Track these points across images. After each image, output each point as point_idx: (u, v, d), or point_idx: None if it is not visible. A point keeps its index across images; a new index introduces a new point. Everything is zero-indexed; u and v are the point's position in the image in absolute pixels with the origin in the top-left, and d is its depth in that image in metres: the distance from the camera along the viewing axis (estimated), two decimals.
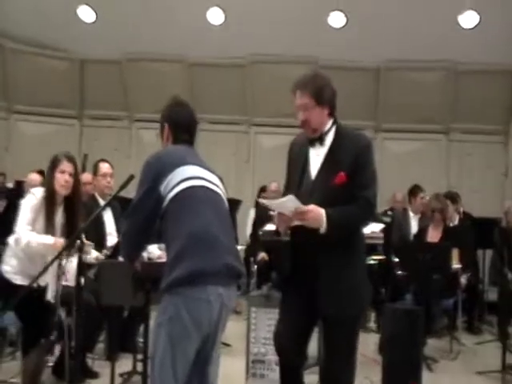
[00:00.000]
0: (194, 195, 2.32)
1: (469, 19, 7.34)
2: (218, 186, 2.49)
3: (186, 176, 2.34)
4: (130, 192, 7.84)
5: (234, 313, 6.75)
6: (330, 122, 2.72)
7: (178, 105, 2.69)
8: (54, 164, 3.60)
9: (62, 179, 3.55)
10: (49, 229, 3.48)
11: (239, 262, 2.42)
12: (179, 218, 2.27)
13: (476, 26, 7.33)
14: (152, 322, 2.42)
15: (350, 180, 2.59)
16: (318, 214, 2.52)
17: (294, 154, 2.82)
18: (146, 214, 2.36)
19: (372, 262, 5.93)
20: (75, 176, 3.61)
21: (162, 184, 2.31)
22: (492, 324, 6.63)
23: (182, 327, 2.20)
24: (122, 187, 2.93)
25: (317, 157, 2.71)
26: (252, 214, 7.32)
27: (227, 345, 5.27)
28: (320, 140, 2.70)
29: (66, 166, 3.58)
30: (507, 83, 8.05)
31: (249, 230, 7.17)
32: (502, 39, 7.39)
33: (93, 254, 4.09)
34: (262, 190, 7.60)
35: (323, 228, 2.52)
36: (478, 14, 7.26)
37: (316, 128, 2.68)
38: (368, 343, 5.32)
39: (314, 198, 2.58)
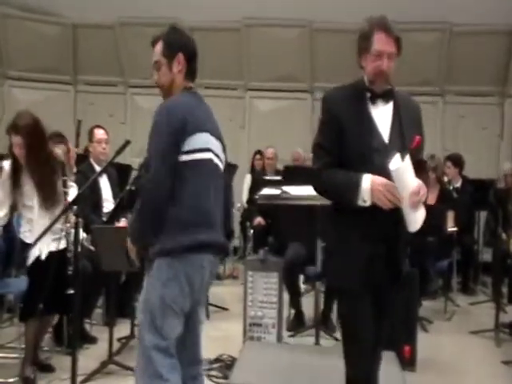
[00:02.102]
0: (204, 169, 2.35)
1: None
2: (220, 159, 2.49)
3: (201, 146, 2.35)
4: (126, 158, 7.84)
5: (231, 277, 6.83)
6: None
7: (186, 33, 2.62)
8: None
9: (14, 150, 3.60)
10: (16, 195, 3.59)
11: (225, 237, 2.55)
12: (188, 187, 2.30)
13: None
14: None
15: (421, 144, 2.36)
16: (425, 189, 2.26)
17: (344, 112, 2.32)
18: (172, 164, 2.28)
19: None
20: (26, 145, 3.58)
21: (182, 142, 2.30)
22: (486, 284, 6.72)
23: (179, 289, 2.31)
24: (118, 152, 2.91)
25: (382, 117, 2.35)
26: (248, 178, 7.32)
27: (225, 309, 5.35)
28: (386, 97, 2.36)
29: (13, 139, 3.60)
30: (502, 44, 7.96)
31: (245, 194, 7.18)
32: (495, 0, 7.27)
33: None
34: (258, 153, 7.59)
35: None
36: None
37: (389, 80, 2.37)
38: None
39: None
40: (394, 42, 2.32)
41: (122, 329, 4.36)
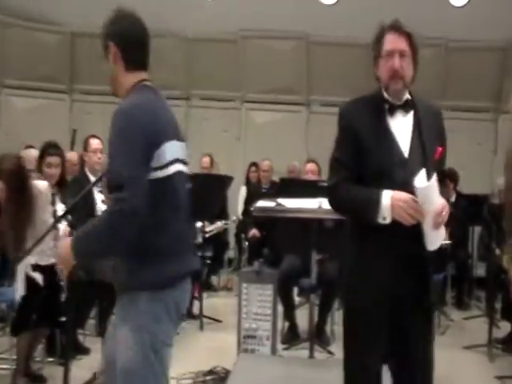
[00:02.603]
0: (177, 185, 2.05)
1: None
2: (186, 163, 2.17)
3: (172, 157, 2.02)
4: None
5: (226, 289, 6.81)
6: (407, 90, 2.29)
7: (125, 17, 2.21)
8: None
9: None
10: None
11: None
12: (162, 208, 2.00)
13: (466, 3, 7.34)
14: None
15: (443, 155, 2.26)
16: (448, 206, 2.17)
17: (361, 125, 2.22)
18: (145, 187, 1.92)
19: None
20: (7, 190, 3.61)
21: (152, 158, 1.96)
22: (480, 299, 6.72)
23: (169, 326, 2.06)
24: None
25: (401, 129, 2.23)
26: (243, 190, 7.33)
27: (219, 320, 5.33)
28: (405, 107, 2.24)
29: None
30: (497, 60, 8.04)
31: (240, 206, 7.19)
32: (491, 17, 7.35)
33: None
34: (253, 165, 7.60)
35: None
36: None
37: (407, 85, 2.23)
38: None
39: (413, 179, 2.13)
40: (406, 40, 2.21)
41: None
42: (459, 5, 7.41)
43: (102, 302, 4.34)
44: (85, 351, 4.27)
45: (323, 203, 3.69)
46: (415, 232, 2.14)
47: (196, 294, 5.53)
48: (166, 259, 2.01)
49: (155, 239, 1.99)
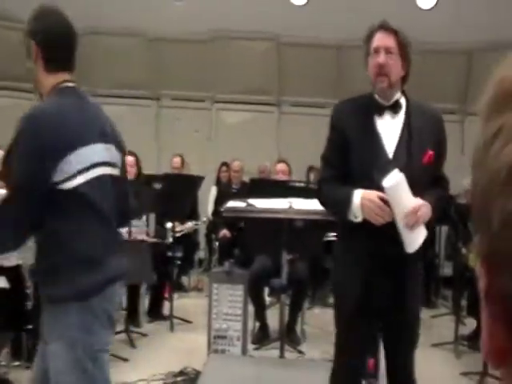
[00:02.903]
0: (94, 191, 1.96)
1: (426, 0, 7.49)
2: (115, 165, 2.10)
3: (89, 163, 1.93)
4: None
5: (196, 290, 6.79)
6: (399, 92, 2.31)
7: (48, 14, 2.06)
8: None
9: None
10: None
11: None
12: (77, 217, 1.94)
13: (433, 6, 7.47)
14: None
15: (435, 159, 2.23)
16: (427, 209, 2.15)
17: (349, 125, 2.26)
18: (36, 200, 1.86)
19: (333, 238, 6.00)
20: None
21: (54, 171, 1.86)
22: (447, 298, 6.84)
23: (103, 333, 2.03)
24: None
25: (389, 129, 2.25)
26: (213, 190, 7.31)
27: (189, 321, 5.30)
28: (394, 108, 2.26)
29: None
30: (463, 62, 8.20)
31: (210, 206, 7.16)
32: (458, 20, 7.48)
33: None
34: (224, 165, 7.59)
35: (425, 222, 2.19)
36: None
37: (393, 83, 2.23)
38: (328, 318, 5.40)
39: None
40: (394, 38, 2.24)
41: None
42: (426, 7, 7.53)
43: None
44: None
45: (293, 203, 3.71)
46: (393, 233, 2.14)
47: (166, 295, 5.50)
48: (87, 268, 1.96)
49: (72, 249, 1.93)
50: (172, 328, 5.04)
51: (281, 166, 5.74)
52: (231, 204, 4.31)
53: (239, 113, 8.63)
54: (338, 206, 2.25)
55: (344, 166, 2.26)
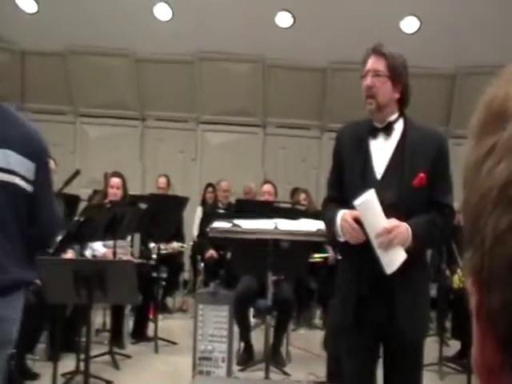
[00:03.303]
0: None
1: (410, 25, 7.63)
2: (12, 172, 2.05)
3: None
4: (74, 188, 7.66)
5: (181, 311, 6.74)
6: (398, 113, 2.31)
7: None
8: None
9: None
10: None
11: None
12: None
13: (416, 31, 7.61)
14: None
15: (428, 183, 2.18)
16: (404, 230, 2.11)
17: (345, 147, 2.32)
18: None
19: (318, 259, 6.02)
20: None
21: None
22: (431, 319, 6.84)
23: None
24: (67, 183, 2.86)
25: (380, 151, 2.26)
26: (199, 211, 7.30)
27: (173, 343, 5.25)
28: (387, 130, 2.27)
29: None
30: (445, 87, 8.34)
31: (195, 227, 7.15)
32: (441, 45, 7.63)
33: None
34: (209, 186, 7.59)
35: (407, 244, 2.13)
36: (419, 19, 7.53)
37: (381, 105, 2.25)
38: (314, 339, 5.40)
39: (384, 202, 2.13)
40: (384, 61, 2.26)
41: (67, 364, 4.21)
42: (410, 32, 7.67)
43: (53, 326, 4.23)
44: (33, 376, 4.13)
45: (279, 224, 3.72)
46: (370, 254, 2.15)
47: (151, 316, 5.45)
48: (29, 263, 2.01)
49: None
50: (156, 349, 4.98)
51: (267, 187, 5.76)
52: (217, 224, 4.32)
53: (224, 134, 8.66)
54: (328, 226, 2.32)
55: (340, 186, 2.34)
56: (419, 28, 7.63)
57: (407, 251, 2.13)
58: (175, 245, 6.23)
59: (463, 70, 8.02)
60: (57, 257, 4.09)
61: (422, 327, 2.35)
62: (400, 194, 2.18)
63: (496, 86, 0.49)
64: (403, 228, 2.12)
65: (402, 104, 2.33)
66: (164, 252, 5.81)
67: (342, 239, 2.23)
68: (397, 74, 2.27)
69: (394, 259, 2.13)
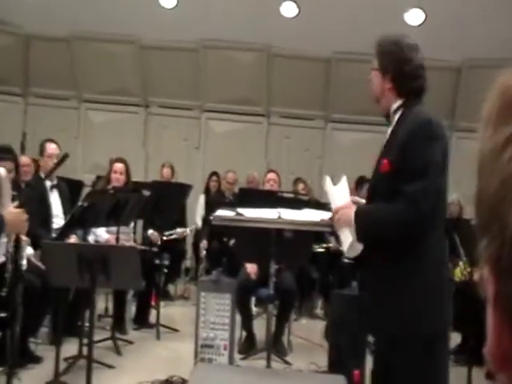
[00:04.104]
0: None
1: (415, 16, 7.58)
2: None
3: None
4: (78, 173, 7.68)
5: (183, 298, 6.76)
6: (399, 102, 2.26)
7: None
8: None
9: None
10: None
11: None
12: None
13: (422, 23, 7.57)
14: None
15: (392, 169, 2.13)
16: (347, 212, 2.17)
17: None
18: None
19: (320, 249, 6.03)
20: None
21: None
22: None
23: None
24: (56, 166, 2.85)
25: (384, 141, 2.33)
26: (202, 199, 7.30)
27: (175, 330, 5.27)
28: (388, 120, 2.33)
29: None
30: (452, 79, 8.30)
31: (198, 215, 7.16)
32: (447, 37, 7.59)
33: (27, 251, 3.96)
34: (214, 174, 7.58)
35: (351, 228, 2.15)
36: (424, 11, 7.48)
37: (376, 97, 2.31)
38: (315, 330, 5.42)
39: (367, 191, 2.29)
40: (376, 52, 2.32)
41: (69, 348, 4.22)
42: (415, 24, 7.62)
43: (56, 310, 4.24)
44: (36, 360, 4.15)
45: (282, 213, 3.71)
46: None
47: (153, 303, 5.47)
48: None
49: None
50: (158, 336, 5.00)
51: (271, 175, 5.75)
52: (220, 212, 4.32)
53: (228, 122, 8.64)
54: None
55: None
56: (424, 20, 7.58)
57: (362, 239, 2.14)
58: (179, 230, 6.23)
59: (469, 63, 7.99)
60: (60, 240, 4.10)
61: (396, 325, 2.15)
62: (373, 182, 2.25)
63: (507, 76, 0.49)
64: (348, 210, 2.16)
65: (399, 91, 2.24)
66: (168, 236, 5.82)
67: None
68: (384, 63, 2.26)
69: (344, 241, 2.19)
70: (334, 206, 2.24)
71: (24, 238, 3.48)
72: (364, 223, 2.12)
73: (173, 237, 5.93)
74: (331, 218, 2.25)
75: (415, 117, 2.18)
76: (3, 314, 3.12)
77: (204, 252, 6.52)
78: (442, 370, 2.25)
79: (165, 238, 5.63)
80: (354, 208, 2.15)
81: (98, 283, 3.31)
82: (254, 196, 5.44)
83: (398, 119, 2.25)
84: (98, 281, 3.28)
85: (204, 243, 6.50)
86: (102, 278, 3.26)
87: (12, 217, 2.12)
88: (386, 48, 2.28)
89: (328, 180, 2.27)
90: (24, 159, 5.35)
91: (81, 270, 3.23)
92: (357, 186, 6.63)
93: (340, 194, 2.22)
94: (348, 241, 2.14)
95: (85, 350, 3.93)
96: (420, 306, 2.12)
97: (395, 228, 2.07)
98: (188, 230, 6.53)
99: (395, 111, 2.27)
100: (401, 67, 2.24)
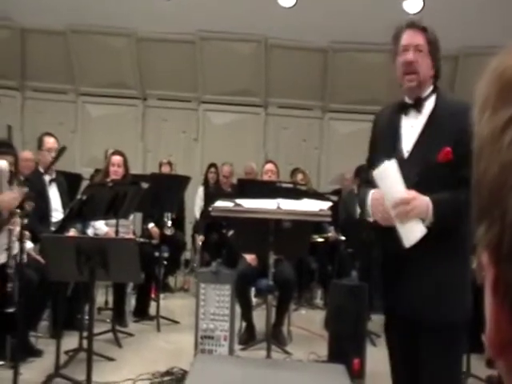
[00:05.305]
0: None
1: (413, 4, 7.57)
2: None
3: None
4: (76, 167, 7.67)
5: (182, 290, 6.77)
6: (431, 88, 2.23)
7: None
8: None
9: None
10: None
11: None
12: None
13: (420, 11, 7.55)
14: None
15: (454, 157, 2.06)
16: (422, 203, 2.02)
17: (380, 126, 2.31)
18: None
19: (319, 240, 6.04)
20: None
21: None
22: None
23: None
24: (55, 160, 2.87)
25: (411, 128, 2.21)
26: (200, 191, 7.30)
27: (175, 321, 5.28)
28: (417, 106, 2.21)
29: None
30: (450, 68, 8.28)
31: (197, 206, 7.16)
32: (444, 26, 7.56)
33: (26, 245, 3.96)
34: (212, 166, 7.58)
35: (427, 220, 2.03)
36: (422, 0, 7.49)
37: (422, 81, 2.18)
38: (315, 319, 5.44)
39: (409, 180, 2.05)
40: (423, 35, 2.20)
41: (69, 341, 4.24)
42: (413, 12, 7.60)
43: (56, 303, 4.25)
44: (37, 353, 4.16)
45: (281, 204, 3.71)
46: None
47: (153, 295, 5.48)
48: None
49: None
50: (159, 328, 5.02)
51: (269, 166, 5.75)
52: (219, 203, 4.31)
53: (226, 114, 8.63)
54: (361, 207, 2.28)
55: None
56: (422, 8, 7.56)
57: (429, 228, 2.02)
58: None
59: (466, 51, 7.96)
60: (59, 234, 4.10)
61: (438, 312, 2.12)
62: (424, 171, 2.09)
63: (504, 57, 0.48)
64: (422, 201, 2.03)
65: (436, 78, 2.27)
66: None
67: (371, 219, 2.17)
68: (435, 48, 2.23)
69: (410, 232, 2.04)
70: (393, 195, 2.04)
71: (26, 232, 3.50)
72: (444, 214, 2.05)
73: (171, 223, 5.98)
74: (396, 209, 2.03)
75: (459, 102, 2.17)
76: (11, 310, 3.11)
77: (200, 244, 6.54)
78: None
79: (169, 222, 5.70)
80: (425, 198, 2.03)
81: (97, 277, 3.31)
82: (252, 187, 5.43)
83: (435, 105, 2.20)
84: (97, 274, 3.28)
85: (201, 237, 6.52)
86: (101, 272, 3.26)
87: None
88: (432, 35, 2.24)
89: (392, 165, 2.03)
90: (26, 154, 5.36)
91: (79, 263, 3.23)
92: (356, 175, 6.64)
93: (397, 183, 2.06)
94: (418, 233, 2.03)
95: (85, 343, 3.95)
96: (465, 293, 2.13)
97: (468, 213, 2.05)
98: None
99: (427, 97, 2.23)
100: (439, 55, 2.26)
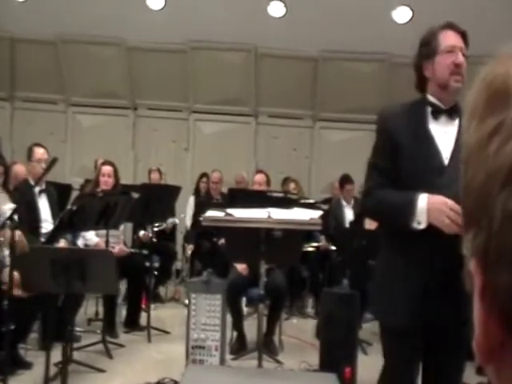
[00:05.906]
0: None
1: (402, 14, 7.65)
2: None
3: None
4: (66, 177, 7.64)
5: (173, 300, 6.74)
6: None
7: None
8: None
9: None
10: None
11: None
12: None
13: (409, 20, 7.63)
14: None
15: None
16: None
17: (395, 127, 2.10)
18: None
19: (310, 248, 6.04)
20: None
21: None
22: None
23: None
24: (46, 171, 2.87)
25: (445, 134, 2.08)
26: (191, 201, 7.30)
27: (166, 332, 5.26)
28: (452, 112, 2.09)
29: None
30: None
31: (188, 216, 7.15)
32: None
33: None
34: (203, 176, 7.58)
35: None
36: (411, 9, 7.56)
37: (463, 85, 2.09)
38: (306, 328, 5.43)
39: (450, 189, 1.88)
40: (463, 39, 2.12)
41: (59, 353, 4.19)
42: (402, 22, 7.68)
43: (46, 315, 4.22)
44: (26, 366, 4.12)
45: (272, 213, 3.72)
46: (453, 243, 1.93)
47: (143, 305, 5.45)
48: None
49: None
50: (149, 339, 4.99)
51: (258, 178, 5.75)
52: (210, 213, 4.31)
53: (217, 123, 8.64)
54: (398, 211, 2.02)
55: (392, 172, 2.09)
56: (411, 18, 7.64)
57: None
58: (170, 220, 6.28)
59: None
60: (33, 244, 3.99)
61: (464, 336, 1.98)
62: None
63: (493, 65, 0.48)
64: None
65: None
66: (158, 227, 5.88)
67: (421, 226, 1.96)
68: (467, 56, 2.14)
69: None
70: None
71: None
72: None
73: (162, 227, 5.97)
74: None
75: None
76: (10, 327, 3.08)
77: (189, 253, 6.54)
78: None
79: (156, 228, 5.69)
80: None
81: (72, 288, 3.23)
82: (243, 196, 5.44)
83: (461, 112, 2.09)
84: (73, 286, 3.20)
85: (190, 246, 6.51)
86: (76, 283, 3.18)
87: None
88: (467, 41, 2.16)
89: None
90: (18, 168, 5.34)
91: (55, 274, 3.15)
92: (341, 184, 6.66)
93: None
94: None
95: (75, 354, 3.92)
96: None
97: None
98: (176, 219, 6.58)
99: (458, 103, 2.13)
100: None
